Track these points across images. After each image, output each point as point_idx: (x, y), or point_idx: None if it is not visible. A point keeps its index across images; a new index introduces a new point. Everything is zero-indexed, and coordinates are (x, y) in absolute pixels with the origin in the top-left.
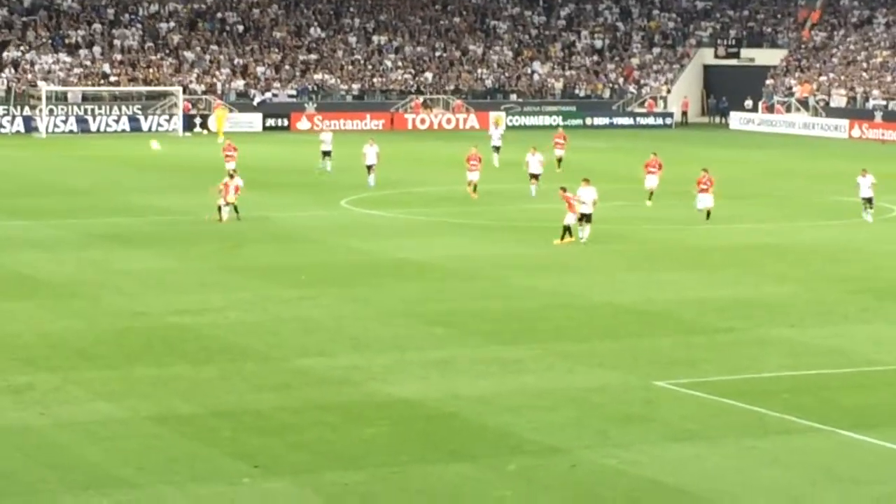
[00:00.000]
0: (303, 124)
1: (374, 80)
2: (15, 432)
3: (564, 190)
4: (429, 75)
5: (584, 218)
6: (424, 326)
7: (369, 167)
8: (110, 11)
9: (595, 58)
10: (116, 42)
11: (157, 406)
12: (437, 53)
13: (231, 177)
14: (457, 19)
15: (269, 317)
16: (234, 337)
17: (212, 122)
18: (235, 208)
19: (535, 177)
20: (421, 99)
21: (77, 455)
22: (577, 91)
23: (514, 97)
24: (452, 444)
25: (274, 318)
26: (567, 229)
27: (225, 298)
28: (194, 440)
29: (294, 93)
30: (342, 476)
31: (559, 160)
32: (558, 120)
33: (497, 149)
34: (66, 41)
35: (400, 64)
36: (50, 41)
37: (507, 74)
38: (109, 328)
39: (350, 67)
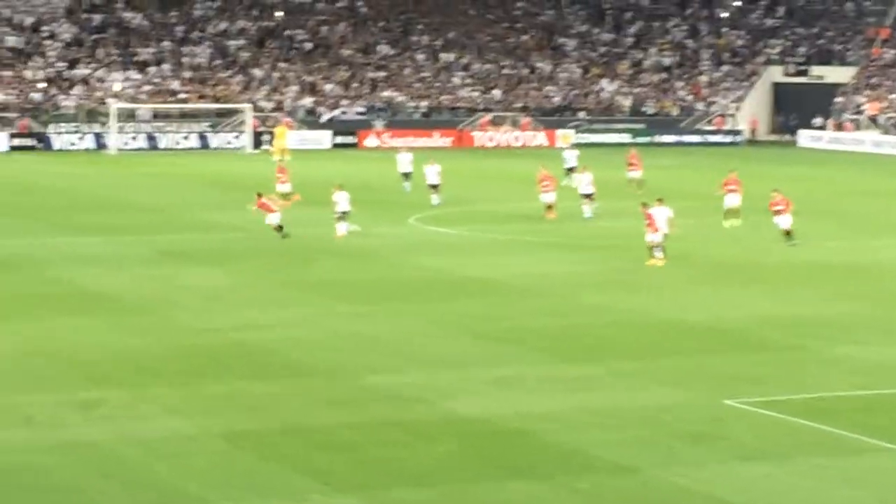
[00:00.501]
0: (371, 141)
1: (442, 97)
2: (84, 448)
3: (645, 206)
4: (497, 93)
5: None
6: (491, 344)
7: (433, 187)
8: (179, 29)
9: (663, 75)
10: (186, 59)
11: (225, 422)
12: (505, 71)
13: (286, 197)
14: (525, 37)
15: (335, 333)
16: (301, 353)
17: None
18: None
19: (587, 196)
20: (489, 116)
21: (145, 471)
22: (645, 109)
23: (582, 115)
24: (520, 462)
25: (340, 335)
26: (652, 248)
27: (293, 315)
28: (262, 457)
29: (362, 110)
30: (410, 493)
31: (636, 181)
32: (626, 137)
33: (572, 170)
34: (136, 59)
35: (468, 81)
36: (120, 59)
37: (575, 92)
38: (178, 344)
39: (418, 85)
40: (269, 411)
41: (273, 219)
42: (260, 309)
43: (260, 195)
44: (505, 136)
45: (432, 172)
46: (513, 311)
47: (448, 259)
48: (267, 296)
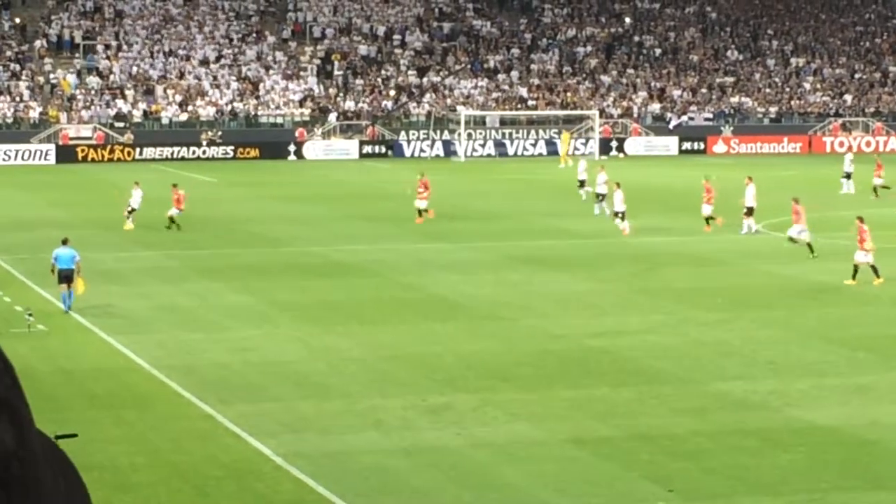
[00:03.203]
0: (719, 147)
1: (792, 102)
2: (432, 451)
3: (861, 220)
4: (848, 97)
5: None
6: (845, 351)
7: (599, 196)
8: (528, 36)
9: None
10: (534, 66)
11: (574, 428)
12: (857, 75)
13: (428, 212)
14: (878, 40)
15: (685, 340)
16: (650, 359)
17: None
18: (172, 220)
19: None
20: (840, 121)
21: (494, 476)
22: None
23: None
24: (873, 473)
25: (690, 342)
26: (857, 268)
27: (641, 321)
28: (611, 462)
29: (710, 116)
30: (757, 502)
31: (880, 187)
32: None
33: (848, 175)
34: (485, 66)
35: (819, 86)
36: (469, 66)
37: None
38: (527, 350)
39: (767, 90)
40: (618, 417)
41: (172, 211)
42: (612, 315)
43: (175, 185)
44: (856, 141)
45: (601, 181)
46: (867, 317)
47: (798, 266)
48: (619, 302)
